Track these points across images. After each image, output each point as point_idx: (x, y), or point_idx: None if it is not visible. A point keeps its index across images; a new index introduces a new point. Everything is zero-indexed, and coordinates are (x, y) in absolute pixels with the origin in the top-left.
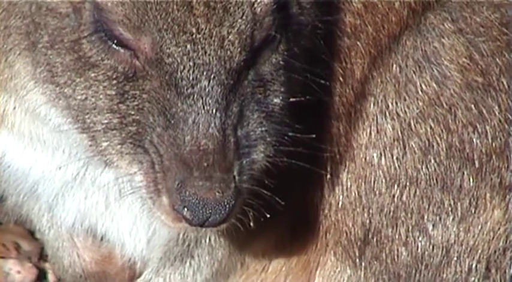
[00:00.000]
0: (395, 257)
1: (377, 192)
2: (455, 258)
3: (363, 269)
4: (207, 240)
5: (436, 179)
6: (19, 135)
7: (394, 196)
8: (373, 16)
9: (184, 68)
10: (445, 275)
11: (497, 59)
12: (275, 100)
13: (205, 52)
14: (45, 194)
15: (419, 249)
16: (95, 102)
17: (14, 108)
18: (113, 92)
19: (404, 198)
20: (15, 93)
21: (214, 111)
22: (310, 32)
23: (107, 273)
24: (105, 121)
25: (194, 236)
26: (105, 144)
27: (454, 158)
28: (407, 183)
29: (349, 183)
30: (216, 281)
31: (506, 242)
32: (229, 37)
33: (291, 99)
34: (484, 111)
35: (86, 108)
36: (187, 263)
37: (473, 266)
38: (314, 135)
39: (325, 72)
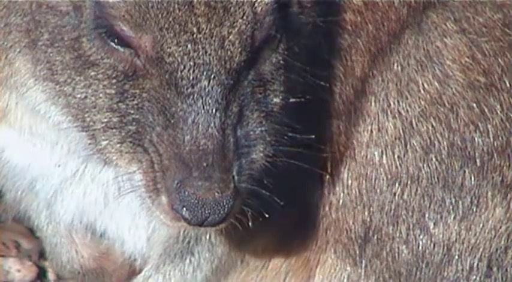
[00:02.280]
0: (396, 255)
1: (378, 191)
2: (456, 257)
3: (363, 267)
4: (207, 238)
5: (438, 178)
6: (19, 131)
7: (395, 194)
8: (373, 14)
9: (184, 67)
10: (446, 273)
11: (500, 59)
12: (275, 100)
13: (206, 52)
14: (44, 190)
15: (420, 248)
16: (94, 100)
17: (16, 103)
18: (113, 91)
19: (405, 196)
20: (16, 90)
21: (214, 111)
22: (311, 31)
23: (104, 269)
24: (105, 120)
25: (194, 233)
26: (104, 142)
27: (456, 157)
28: (409, 182)
29: (350, 182)
30: (216, 278)
31: (507, 240)
32: (230, 37)
33: (291, 100)
34: (486, 110)
35: (86, 107)
36: (187, 260)
37: (475, 264)
38: (314, 136)
39: (326, 71)
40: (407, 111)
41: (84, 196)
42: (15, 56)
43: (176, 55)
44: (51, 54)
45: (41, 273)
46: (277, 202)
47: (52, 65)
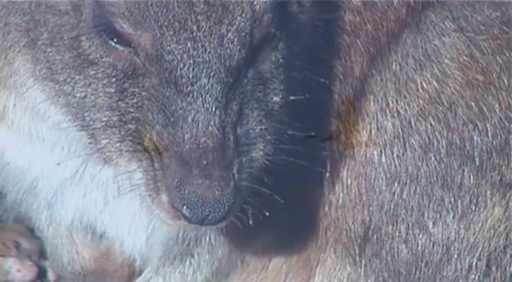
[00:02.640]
0: (396, 255)
1: (377, 190)
2: (455, 256)
3: (363, 266)
4: (207, 239)
5: (437, 177)
6: (19, 131)
7: (394, 194)
8: (372, 14)
9: (184, 65)
10: (445, 273)
11: (498, 57)
12: (274, 98)
13: (205, 50)
14: (44, 191)
15: (419, 247)
16: (94, 99)
17: (14, 105)
18: (112, 90)
19: (404, 195)
20: (15, 90)
21: (213, 109)
22: (310, 30)
23: (105, 270)
24: (105, 119)
25: (194, 234)
26: (104, 141)
27: (455, 156)
28: (408, 181)
29: (349, 181)
30: (216, 279)
31: (506, 239)
32: (229, 35)
33: (291, 98)
34: (485, 109)
35: (86, 106)
36: (187, 262)
37: (474, 263)
38: (313, 133)
39: (325, 70)
40: (406, 110)
41: (84, 196)
42: (15, 56)
43: (176, 53)
44: (50, 54)
45: (41, 273)
46: (278, 200)
47: (52, 64)
